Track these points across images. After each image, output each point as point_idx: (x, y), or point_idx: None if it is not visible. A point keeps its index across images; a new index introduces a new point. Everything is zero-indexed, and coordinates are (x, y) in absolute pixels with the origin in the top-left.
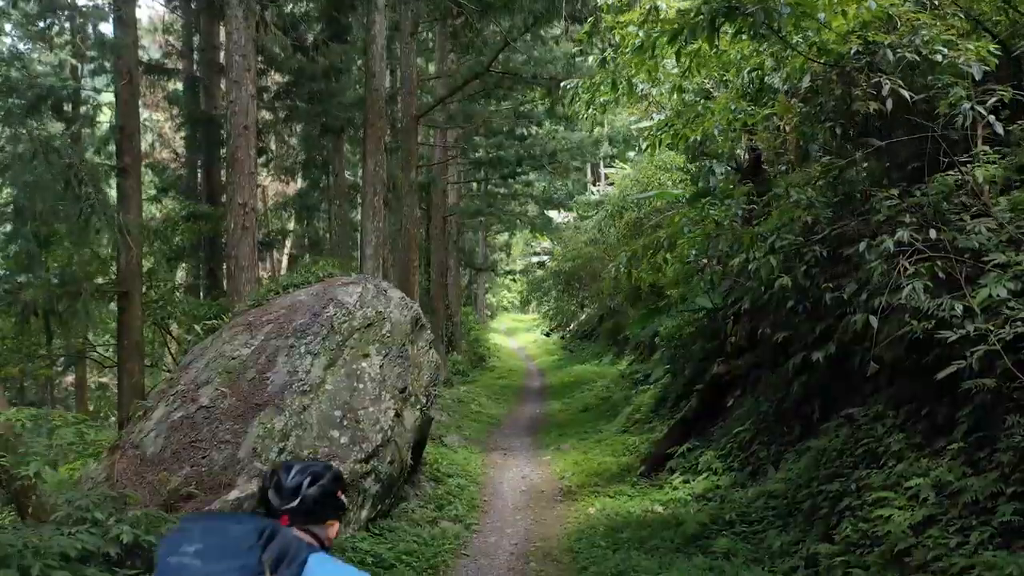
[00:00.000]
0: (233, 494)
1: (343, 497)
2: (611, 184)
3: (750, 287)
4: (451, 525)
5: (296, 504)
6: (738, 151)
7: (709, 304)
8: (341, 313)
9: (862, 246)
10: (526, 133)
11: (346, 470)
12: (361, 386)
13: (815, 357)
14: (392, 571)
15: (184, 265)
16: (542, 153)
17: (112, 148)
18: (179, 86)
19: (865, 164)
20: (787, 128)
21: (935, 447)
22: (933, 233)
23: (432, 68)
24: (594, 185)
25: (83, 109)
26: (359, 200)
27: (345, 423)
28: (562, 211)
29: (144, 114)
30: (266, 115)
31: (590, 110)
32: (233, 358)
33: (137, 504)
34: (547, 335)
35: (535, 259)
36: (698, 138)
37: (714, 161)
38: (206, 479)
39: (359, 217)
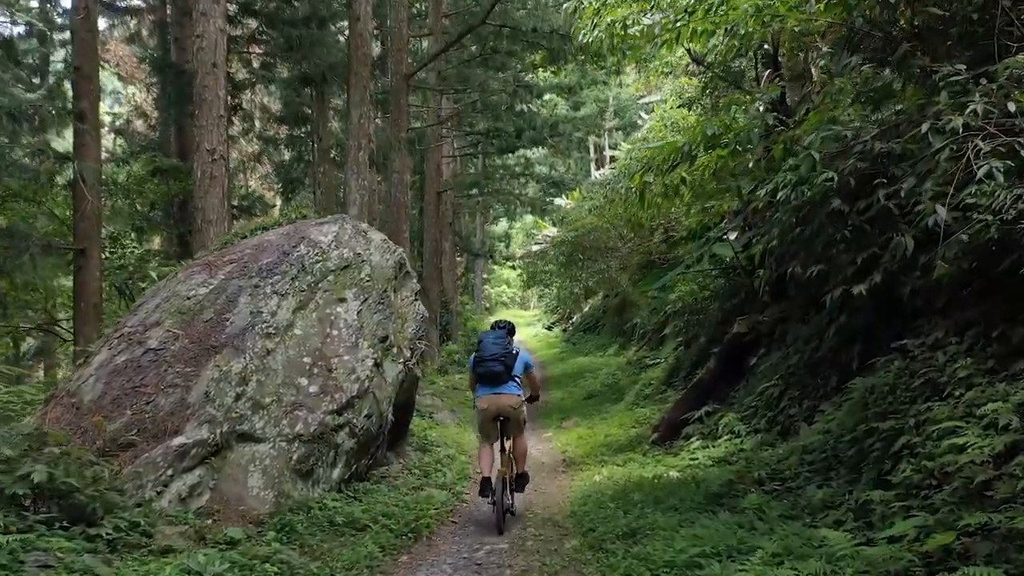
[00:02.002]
0: (178, 440)
1: None
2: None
3: (778, 220)
4: (438, 492)
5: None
6: (766, 45)
7: (729, 252)
8: (314, 253)
9: (925, 127)
10: (526, 109)
11: (315, 422)
12: (336, 332)
13: (856, 290)
14: (365, 532)
15: (157, 238)
16: (543, 125)
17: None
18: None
19: (920, 44)
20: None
21: (1013, 370)
22: (1012, 106)
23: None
24: (597, 170)
25: (37, 49)
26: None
27: (315, 371)
28: (565, 197)
29: (120, 86)
30: (243, 72)
31: (596, 33)
32: (188, 298)
33: (62, 443)
34: (548, 329)
35: (536, 248)
36: (721, 31)
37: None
38: (149, 426)
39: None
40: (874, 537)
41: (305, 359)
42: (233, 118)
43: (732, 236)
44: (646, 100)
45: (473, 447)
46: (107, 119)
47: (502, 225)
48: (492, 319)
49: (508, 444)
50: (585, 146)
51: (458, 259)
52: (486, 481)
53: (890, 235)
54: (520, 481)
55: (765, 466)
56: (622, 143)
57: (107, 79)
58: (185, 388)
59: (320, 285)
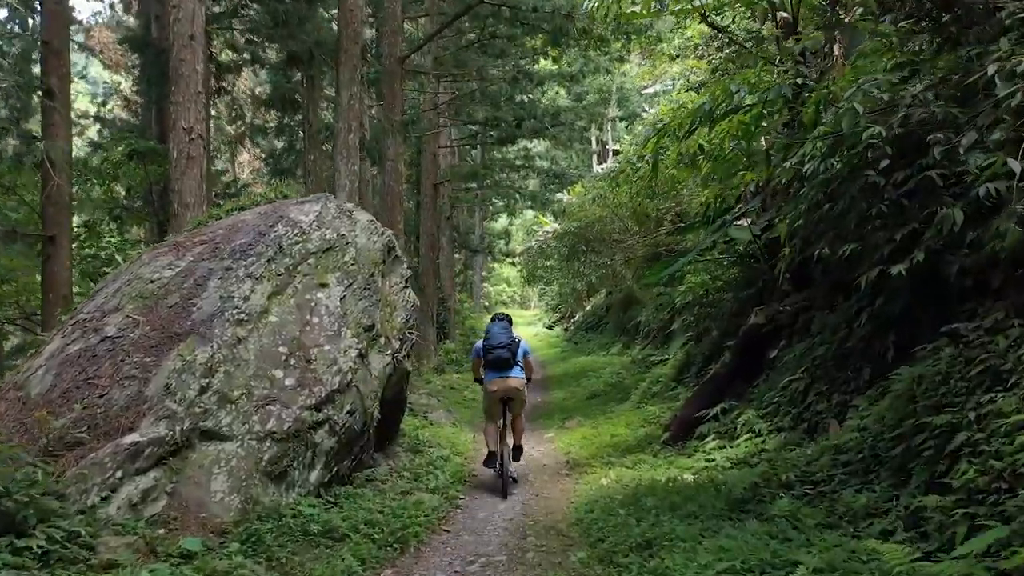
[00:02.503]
0: (130, 438)
1: None
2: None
3: (804, 195)
4: (429, 496)
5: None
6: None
7: (746, 236)
8: (293, 233)
9: (992, 69)
10: (526, 100)
11: (290, 418)
12: (316, 320)
13: (896, 271)
14: (344, 543)
15: (140, 229)
16: (544, 114)
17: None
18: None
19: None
20: None
21: None
22: None
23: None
24: (600, 164)
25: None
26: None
27: (292, 362)
28: (567, 192)
29: (107, 75)
30: (229, 54)
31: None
32: (152, 281)
33: None
34: (550, 328)
35: (536, 244)
36: None
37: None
38: (101, 422)
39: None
40: (932, 550)
41: (281, 349)
42: (217, 100)
43: (746, 222)
44: (650, 90)
45: (469, 449)
46: (92, 109)
47: (502, 222)
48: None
49: (509, 422)
50: (587, 138)
51: (456, 256)
52: (492, 455)
53: (934, 208)
54: (516, 452)
55: (793, 467)
56: (624, 136)
57: (97, 72)
58: (143, 380)
59: (299, 268)
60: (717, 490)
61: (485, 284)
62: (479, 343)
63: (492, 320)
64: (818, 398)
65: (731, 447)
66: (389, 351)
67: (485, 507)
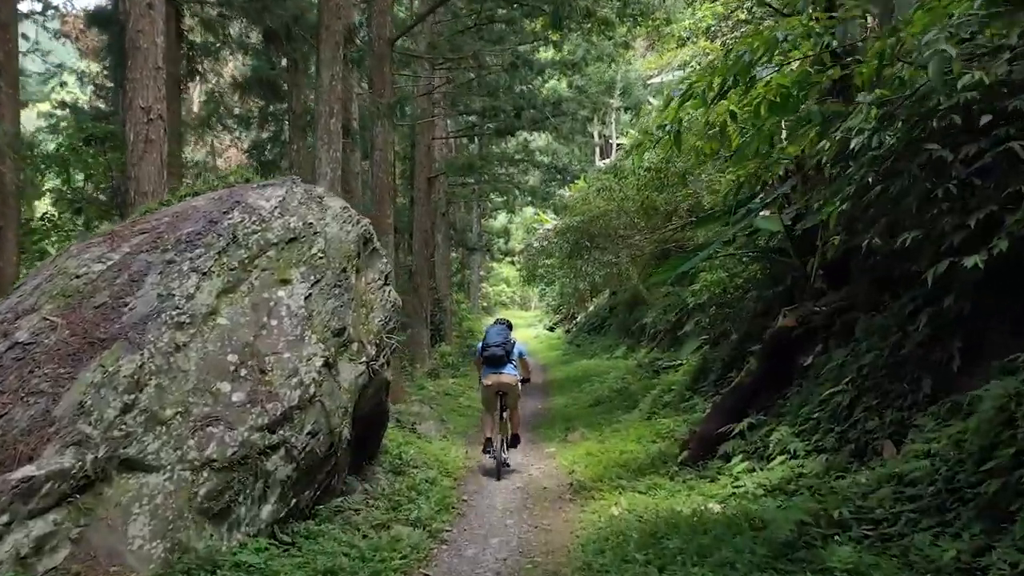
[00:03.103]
0: (23, 472)
1: None
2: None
3: (850, 176)
4: (409, 531)
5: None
6: None
7: (776, 226)
8: (251, 221)
9: None
10: (525, 90)
11: (235, 441)
12: (274, 323)
13: (970, 262)
14: None
15: (101, 222)
16: (545, 103)
17: None
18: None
19: None
20: None
21: None
22: None
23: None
24: (602, 159)
25: None
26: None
27: (243, 372)
28: (568, 189)
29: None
30: (204, 35)
31: None
32: (77, 277)
33: None
34: (551, 330)
35: (536, 243)
36: None
37: None
38: None
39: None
40: None
41: (230, 357)
42: (192, 85)
43: (769, 213)
44: (656, 80)
45: (460, 468)
46: (68, 98)
47: (501, 220)
48: (490, 319)
49: (506, 415)
50: (589, 132)
51: (453, 255)
52: (488, 440)
53: (1016, 188)
54: (514, 440)
55: (845, 501)
56: (629, 131)
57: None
58: (53, 396)
59: (257, 262)
60: (754, 529)
61: (483, 284)
62: (479, 344)
63: (489, 327)
64: (867, 414)
65: (762, 470)
66: (363, 359)
67: (475, 542)
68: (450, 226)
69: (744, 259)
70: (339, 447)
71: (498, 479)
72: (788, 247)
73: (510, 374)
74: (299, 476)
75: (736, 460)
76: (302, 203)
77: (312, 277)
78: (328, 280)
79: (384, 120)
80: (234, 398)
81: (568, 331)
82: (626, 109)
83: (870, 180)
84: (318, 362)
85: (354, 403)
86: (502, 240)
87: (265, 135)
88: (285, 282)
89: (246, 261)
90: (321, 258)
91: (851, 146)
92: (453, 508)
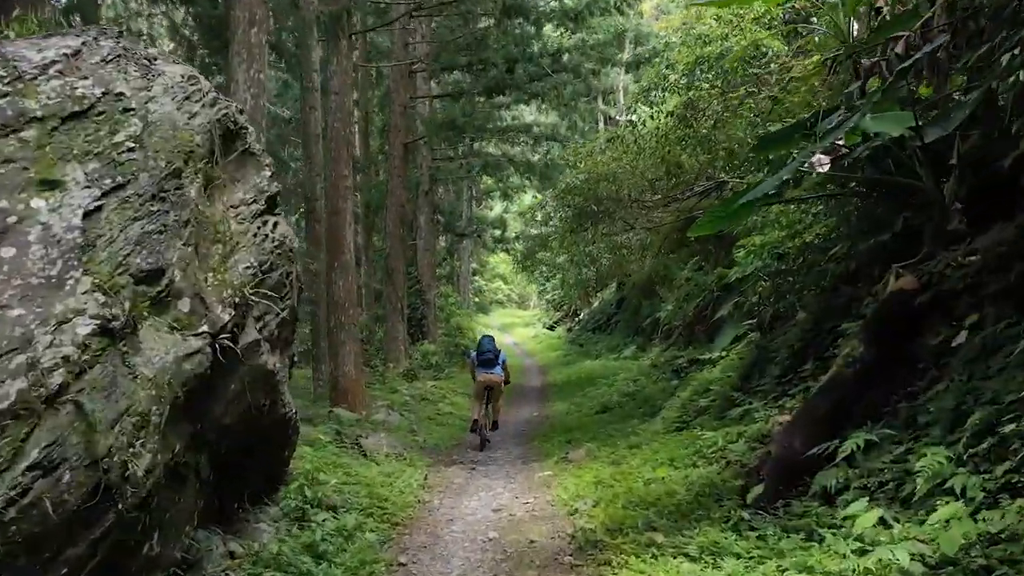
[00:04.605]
0: None
1: None
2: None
3: None
4: None
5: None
6: None
7: (899, 128)
8: None
9: None
10: (520, 35)
11: None
12: (11, 252)
13: None
14: None
15: None
16: (542, 54)
17: None
18: None
19: None
20: None
21: None
22: None
23: None
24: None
25: None
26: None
27: None
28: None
29: None
30: None
31: None
32: None
33: None
34: (550, 328)
35: (535, 231)
36: None
37: None
38: None
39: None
40: None
41: None
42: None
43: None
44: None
45: (410, 503)
46: None
47: (497, 209)
48: (484, 318)
49: (491, 406)
50: (594, 94)
51: (442, 244)
52: (475, 421)
53: None
54: (494, 425)
55: None
56: (641, 107)
57: None
58: None
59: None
60: None
61: (477, 278)
62: (473, 352)
63: (482, 337)
64: None
65: (908, 523)
66: (202, 327)
67: None
68: (435, 208)
69: (820, 204)
70: (124, 491)
71: (481, 449)
72: (916, 163)
73: (498, 374)
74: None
75: (851, 502)
76: (108, 61)
77: (108, 180)
78: (141, 188)
79: (339, 51)
80: None
81: (570, 329)
82: (637, 65)
83: None
84: (84, 327)
85: (182, 406)
86: (498, 231)
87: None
88: (50, 185)
89: None
90: (132, 151)
91: None
92: None
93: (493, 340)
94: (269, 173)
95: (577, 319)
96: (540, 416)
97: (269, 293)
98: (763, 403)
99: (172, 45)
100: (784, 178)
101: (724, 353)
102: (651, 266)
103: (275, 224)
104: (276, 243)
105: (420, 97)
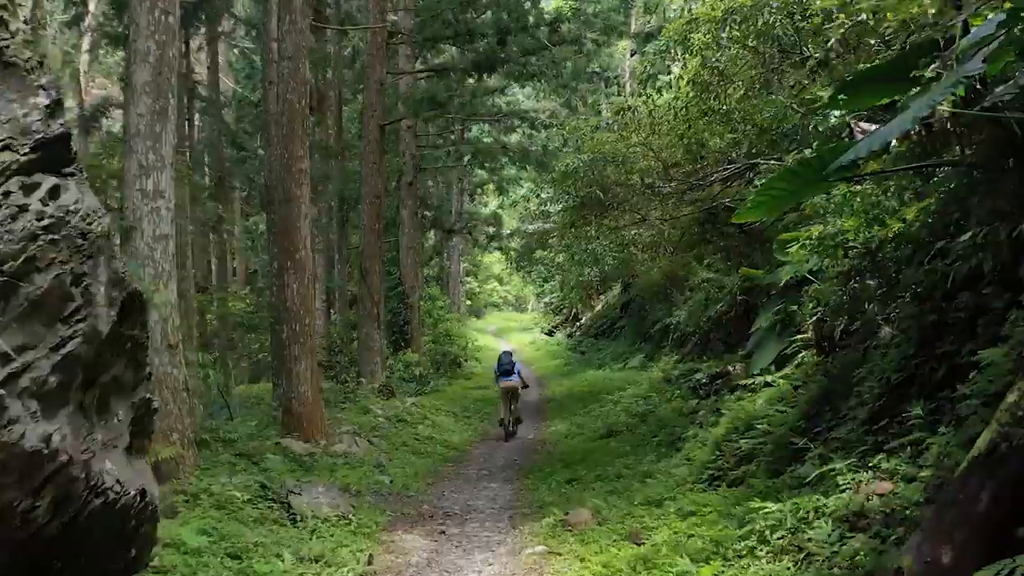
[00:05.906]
0: None
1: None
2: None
3: None
4: None
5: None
6: None
7: None
8: None
9: None
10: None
11: None
12: None
13: None
14: None
15: None
16: (539, 22)
17: None
18: None
19: None
20: None
21: None
22: None
23: None
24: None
25: None
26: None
27: None
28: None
29: None
30: None
31: None
32: None
33: None
34: (549, 334)
35: (532, 228)
36: None
37: None
38: None
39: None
40: None
41: None
42: None
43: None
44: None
45: None
46: None
47: (491, 205)
48: (481, 324)
49: (513, 406)
50: (597, 72)
51: (431, 242)
52: (502, 420)
53: None
54: (516, 423)
55: None
56: (649, 91)
57: None
58: None
59: None
60: None
61: (469, 279)
62: (495, 365)
63: (501, 353)
64: None
65: None
66: None
67: None
68: (420, 201)
69: (916, 179)
70: None
71: (506, 440)
72: None
73: (515, 381)
74: None
75: None
76: None
77: None
78: None
79: (287, 3)
80: None
81: (570, 335)
82: (647, 38)
83: None
84: None
85: None
86: (492, 229)
87: None
88: None
89: None
90: None
91: None
92: None
93: (511, 355)
94: (46, 102)
95: (578, 324)
96: (536, 440)
97: (24, 311)
98: (844, 459)
99: None
100: (920, 115)
101: (767, 377)
102: (665, 265)
103: (51, 190)
104: (48, 222)
105: (400, 73)
